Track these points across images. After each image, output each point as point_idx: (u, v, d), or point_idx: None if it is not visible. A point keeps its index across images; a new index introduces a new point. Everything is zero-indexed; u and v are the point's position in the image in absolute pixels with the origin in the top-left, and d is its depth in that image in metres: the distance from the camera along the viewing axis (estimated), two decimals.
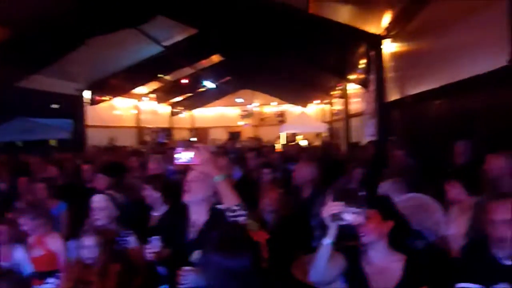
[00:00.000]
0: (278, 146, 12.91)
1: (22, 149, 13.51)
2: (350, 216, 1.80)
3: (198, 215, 2.35)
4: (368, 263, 2.07)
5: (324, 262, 1.88)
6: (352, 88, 12.47)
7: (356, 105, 12.53)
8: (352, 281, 2.06)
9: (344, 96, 13.35)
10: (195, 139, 20.20)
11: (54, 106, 13.52)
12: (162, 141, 17.50)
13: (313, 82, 15.13)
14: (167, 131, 20.68)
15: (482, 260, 1.98)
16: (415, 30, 6.86)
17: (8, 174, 5.72)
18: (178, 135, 21.04)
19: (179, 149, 2.02)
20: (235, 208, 1.92)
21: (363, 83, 8.61)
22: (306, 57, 10.61)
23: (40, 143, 13.77)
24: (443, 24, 5.57)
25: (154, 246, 2.29)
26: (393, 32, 7.88)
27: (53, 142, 16.56)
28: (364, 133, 9.31)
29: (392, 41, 8.04)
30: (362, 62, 8.81)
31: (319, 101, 19.68)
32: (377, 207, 2.08)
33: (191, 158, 2.00)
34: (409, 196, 3.45)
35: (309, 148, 11.67)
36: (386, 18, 7.78)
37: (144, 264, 2.78)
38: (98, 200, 2.90)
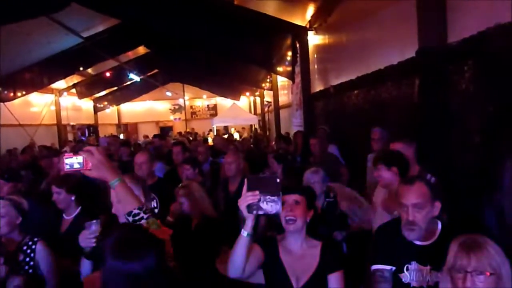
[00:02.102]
0: (210, 140, 12.83)
1: None
2: (267, 205, 1.72)
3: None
4: (285, 252, 2.07)
5: (242, 255, 1.83)
6: (281, 80, 12.70)
7: (284, 97, 12.79)
8: (270, 272, 2.05)
9: (273, 88, 13.56)
10: (122, 135, 19.34)
11: None
12: (83, 139, 16.52)
13: (243, 75, 15.14)
14: (91, 128, 19.53)
15: (394, 241, 2.03)
16: (335, 23, 7.11)
17: None
18: (104, 132, 19.96)
19: (67, 154, 1.79)
20: (136, 211, 1.78)
21: (290, 75, 8.77)
22: (235, 50, 10.54)
23: None
24: (359, 18, 5.83)
25: (94, 231, 2.20)
26: (316, 24, 8.11)
27: None
28: (292, 123, 9.52)
29: (315, 34, 8.27)
30: (288, 55, 8.96)
31: (249, 94, 19.84)
32: (303, 194, 2.11)
33: (81, 163, 1.77)
34: (346, 189, 3.65)
35: (239, 141, 11.70)
36: (310, 11, 7.98)
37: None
38: None
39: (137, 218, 1.78)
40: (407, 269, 1.97)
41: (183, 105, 23.75)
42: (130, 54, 14.88)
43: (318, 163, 4.44)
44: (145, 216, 1.78)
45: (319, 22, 7.91)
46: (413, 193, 1.95)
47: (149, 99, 23.23)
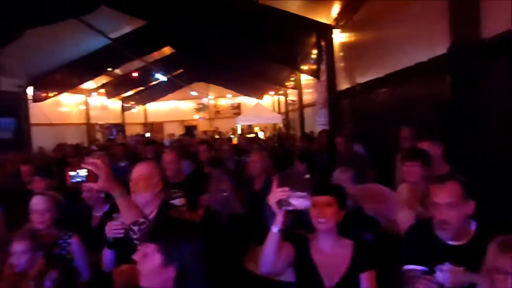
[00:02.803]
0: (235, 139, 12.89)
1: None
2: (297, 201, 1.75)
3: (148, 212, 2.27)
4: (316, 251, 2.06)
5: (272, 251, 1.84)
6: (305, 78, 12.64)
7: (308, 95, 12.73)
8: (301, 270, 2.05)
9: (297, 86, 13.50)
10: (148, 134, 19.70)
11: None
12: (112, 137, 16.92)
13: (267, 74, 15.16)
14: (119, 127, 19.98)
15: (426, 241, 2.00)
16: (361, 20, 7.02)
17: None
18: (131, 131, 20.39)
19: (71, 168, 1.93)
20: (141, 220, 1.85)
21: (315, 74, 8.72)
22: (259, 49, 10.57)
23: None
24: (386, 14, 5.73)
25: (122, 223, 2.24)
26: (341, 22, 8.03)
27: None
28: (317, 122, 9.47)
29: (341, 31, 8.19)
30: (314, 53, 8.92)
31: (273, 93, 19.82)
32: (335, 195, 2.08)
33: (84, 176, 1.86)
34: (366, 186, 3.57)
35: (263, 140, 11.73)
36: (335, 8, 7.90)
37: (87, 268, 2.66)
38: (39, 203, 2.69)
39: (143, 226, 1.84)
40: (440, 270, 1.93)
41: (207, 104, 23.98)
42: (156, 55, 15.13)
43: (344, 162, 4.40)
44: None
45: (345, 20, 7.82)
46: (446, 192, 1.91)
47: (174, 99, 23.57)
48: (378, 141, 5.80)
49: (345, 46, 8.23)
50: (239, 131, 18.01)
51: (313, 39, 8.82)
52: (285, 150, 7.81)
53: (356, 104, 7.25)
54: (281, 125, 18.36)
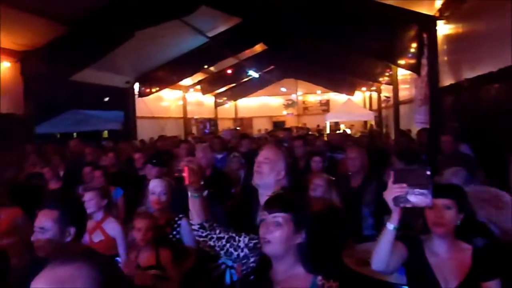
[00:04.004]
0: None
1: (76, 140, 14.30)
2: (416, 198, 1.65)
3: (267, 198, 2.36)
4: (431, 254, 1.94)
5: (387, 248, 1.78)
6: (402, 74, 11.99)
7: (405, 91, 12.05)
8: (416, 272, 1.95)
9: (393, 82, 12.86)
10: (238, 128, 20.38)
11: (106, 99, 14.13)
12: (207, 131, 17.82)
13: (359, 69, 14.68)
14: (212, 122, 21.01)
15: None
16: (470, 10, 6.45)
17: (64, 163, 6.07)
18: (222, 125, 21.31)
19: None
20: (206, 224, 1.91)
21: (414, 68, 8.21)
22: (353, 43, 10.27)
23: (93, 134, 14.49)
24: (501, 2, 5.17)
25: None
26: (446, 13, 7.46)
27: (105, 133, 17.39)
28: (414, 120, 8.94)
29: (446, 23, 7.61)
30: (413, 46, 8.40)
31: (365, 89, 19.16)
32: (455, 198, 1.93)
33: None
34: (483, 188, 3.27)
35: (355, 137, 11.40)
36: None
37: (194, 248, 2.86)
38: (158, 185, 2.96)
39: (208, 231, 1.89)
40: None
41: (295, 100, 24.04)
42: (248, 52, 15.58)
43: (449, 163, 4.10)
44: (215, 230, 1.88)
45: (451, 10, 7.24)
46: None
47: (264, 95, 24.05)
48: (487, 141, 5.29)
49: (450, 39, 7.62)
50: (327, 128, 17.78)
51: (413, 32, 8.30)
52: (379, 148, 7.52)
53: (462, 101, 6.68)
54: (372, 122, 17.69)
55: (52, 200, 2.11)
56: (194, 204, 1.93)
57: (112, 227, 3.19)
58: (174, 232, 2.84)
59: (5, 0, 6.97)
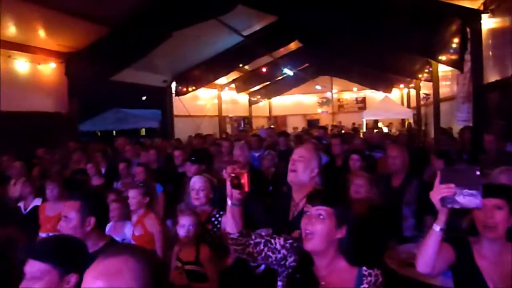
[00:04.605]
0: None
1: (116, 137, 14.87)
2: (464, 199, 1.59)
3: (301, 195, 2.37)
4: (480, 256, 1.87)
5: (433, 250, 1.73)
6: (442, 70, 11.56)
7: (446, 88, 11.62)
8: (464, 275, 1.88)
9: (433, 79, 12.41)
10: (273, 126, 20.37)
11: (144, 98, 14.53)
12: (242, 129, 17.95)
13: (397, 66, 14.28)
14: (247, 120, 21.11)
15: None
16: None
17: (105, 159, 6.31)
18: (257, 124, 21.36)
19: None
20: (236, 235, 1.82)
21: (457, 64, 7.89)
22: (390, 39, 10.01)
23: (131, 132, 14.95)
24: None
25: None
26: (492, 6, 7.14)
27: (143, 131, 17.91)
28: (456, 118, 8.62)
29: (491, 16, 7.28)
30: (455, 41, 8.08)
31: (403, 86, 18.63)
32: (507, 198, 1.83)
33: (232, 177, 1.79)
34: None
35: (393, 135, 11.12)
36: None
37: None
38: (197, 182, 3.02)
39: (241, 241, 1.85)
40: None
41: (330, 98, 23.72)
42: (282, 50, 15.53)
43: (492, 163, 3.92)
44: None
45: (497, 3, 6.92)
46: None
47: (298, 93, 23.86)
48: None
49: (496, 33, 7.28)
50: (363, 126, 17.44)
51: (455, 26, 7.98)
52: (418, 147, 7.31)
53: (508, 98, 6.38)
54: (411, 120, 17.18)
55: (76, 192, 2.29)
56: (234, 213, 1.83)
57: (152, 223, 3.36)
58: (215, 229, 2.89)
59: (51, 4, 7.32)
